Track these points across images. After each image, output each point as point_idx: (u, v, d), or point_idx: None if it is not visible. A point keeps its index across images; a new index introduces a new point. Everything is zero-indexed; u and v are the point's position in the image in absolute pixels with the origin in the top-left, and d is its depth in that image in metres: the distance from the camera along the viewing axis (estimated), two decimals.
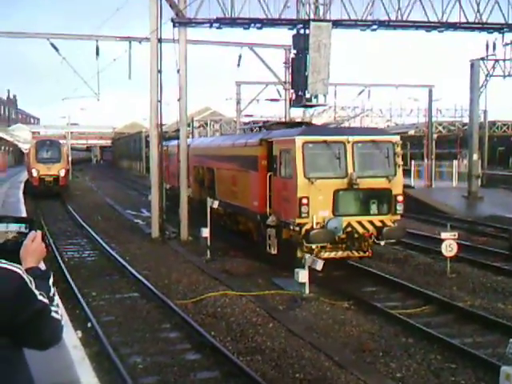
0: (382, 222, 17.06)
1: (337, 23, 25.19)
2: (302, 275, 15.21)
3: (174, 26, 24.33)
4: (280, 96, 37.38)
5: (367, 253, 17.45)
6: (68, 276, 17.55)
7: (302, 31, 25.28)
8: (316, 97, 26.07)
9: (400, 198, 17.25)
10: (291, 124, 22.00)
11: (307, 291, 15.31)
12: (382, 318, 13.94)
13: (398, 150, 17.46)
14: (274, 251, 18.23)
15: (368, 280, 17.86)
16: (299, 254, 16.67)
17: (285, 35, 27.83)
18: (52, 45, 28.39)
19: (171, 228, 25.60)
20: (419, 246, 22.48)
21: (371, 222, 17.00)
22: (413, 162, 42.97)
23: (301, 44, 25.38)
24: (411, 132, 68.76)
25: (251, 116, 59.65)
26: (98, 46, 28.58)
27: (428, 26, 26.55)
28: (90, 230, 26.50)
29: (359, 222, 16.92)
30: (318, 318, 13.77)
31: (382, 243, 17.48)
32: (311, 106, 31.22)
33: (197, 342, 12.22)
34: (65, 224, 29.80)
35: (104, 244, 22.94)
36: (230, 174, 22.40)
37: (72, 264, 20.08)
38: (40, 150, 43.16)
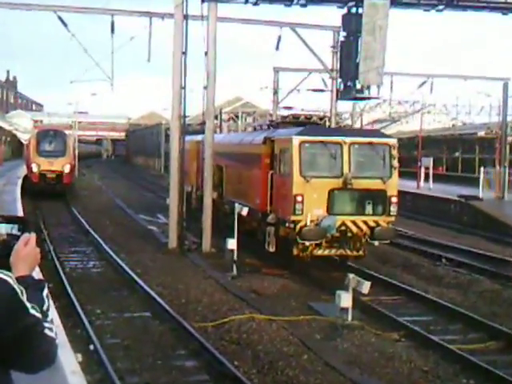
0: (376, 222, 19.92)
1: (396, 2, 25.05)
2: (345, 299, 15.13)
3: (202, 1, 24.44)
4: (325, 86, 37.30)
5: (360, 252, 20.24)
6: (69, 289, 17.72)
7: (353, 10, 25.20)
8: (368, 88, 25.96)
9: (394, 200, 20.16)
10: (298, 123, 24.49)
11: (350, 318, 15.23)
12: (439, 353, 13.81)
13: (394, 152, 20.39)
14: (272, 249, 20.89)
15: (423, 308, 17.76)
16: (295, 252, 19.77)
17: (333, 15, 27.79)
18: (60, 19, 28.68)
19: (191, 237, 25.70)
20: (486, 269, 22.23)
21: (365, 222, 19.87)
22: (482, 169, 42.43)
23: (352, 25, 25.30)
24: (481, 133, 68.10)
25: (290, 108, 59.37)
26: (114, 21, 28.81)
27: (505, 8, 26.27)
28: (96, 236, 26.74)
29: (353, 222, 19.81)
30: (361, 350, 13.69)
31: (376, 243, 20.42)
32: (362, 99, 31.15)
33: (217, 372, 12.24)
34: (68, 229, 30.11)
35: (112, 253, 23.10)
36: (236, 173, 25.11)
37: (74, 276, 20.26)
38: (42, 142, 43.53)
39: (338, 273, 21.02)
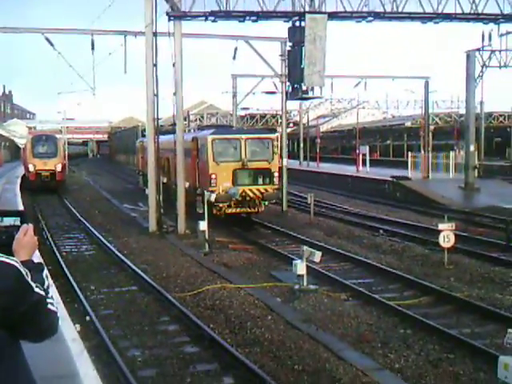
0: (265, 189, 24.88)
1: (332, 15, 25.03)
2: (300, 267, 15.21)
3: (169, 20, 24.22)
4: (276, 89, 37.28)
5: (256, 209, 25.11)
6: (66, 270, 17.55)
7: (297, 23, 25.14)
8: (312, 89, 25.99)
9: (276, 174, 25.46)
10: (216, 126, 32.46)
11: (305, 283, 15.32)
12: (380, 309, 13.96)
13: (276, 143, 26.09)
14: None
15: (366, 271, 17.92)
16: (214, 211, 24.01)
17: (280, 28, 27.76)
18: (47, 39, 28.22)
19: (169, 221, 25.61)
20: (417, 237, 22.52)
21: (258, 190, 24.78)
22: (409, 153, 42.88)
23: (296, 36, 25.25)
24: (408, 124, 68.74)
25: (248, 109, 59.22)
26: (94, 40, 28.46)
27: (423, 17, 26.38)
28: (87, 224, 26.49)
29: (250, 190, 24.66)
30: (316, 309, 13.78)
31: (266, 203, 25.36)
32: (307, 99, 31.28)
33: (195, 334, 12.24)
34: (62, 218, 29.78)
35: (102, 238, 22.93)
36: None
37: (70, 258, 20.08)
38: (36, 145, 42.95)
39: (294, 245, 21.23)
